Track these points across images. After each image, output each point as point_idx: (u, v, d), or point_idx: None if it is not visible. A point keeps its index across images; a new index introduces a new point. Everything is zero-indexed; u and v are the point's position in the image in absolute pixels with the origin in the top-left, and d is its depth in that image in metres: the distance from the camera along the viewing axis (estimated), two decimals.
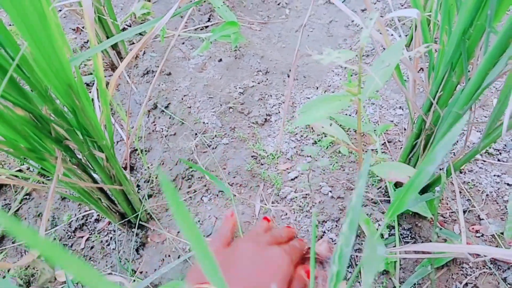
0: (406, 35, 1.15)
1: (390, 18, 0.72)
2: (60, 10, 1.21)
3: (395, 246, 0.79)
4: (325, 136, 0.90)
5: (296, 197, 0.86)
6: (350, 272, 0.78)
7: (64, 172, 0.61)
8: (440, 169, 0.80)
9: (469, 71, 0.66)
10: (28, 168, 0.92)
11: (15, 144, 0.48)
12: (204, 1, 1.20)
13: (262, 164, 0.90)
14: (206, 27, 1.18)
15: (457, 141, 0.95)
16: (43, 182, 0.83)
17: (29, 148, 0.51)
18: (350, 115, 0.98)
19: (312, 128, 0.95)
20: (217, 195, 0.86)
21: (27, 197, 0.90)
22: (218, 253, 0.48)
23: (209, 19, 1.19)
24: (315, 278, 0.83)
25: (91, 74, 1.09)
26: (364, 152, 0.91)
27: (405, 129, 0.96)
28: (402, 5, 1.21)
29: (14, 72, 0.44)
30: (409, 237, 0.80)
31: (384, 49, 1.07)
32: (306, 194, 0.86)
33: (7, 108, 0.47)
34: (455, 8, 0.52)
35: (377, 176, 0.87)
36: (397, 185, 0.83)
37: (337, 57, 0.39)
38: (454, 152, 0.93)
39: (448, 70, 0.57)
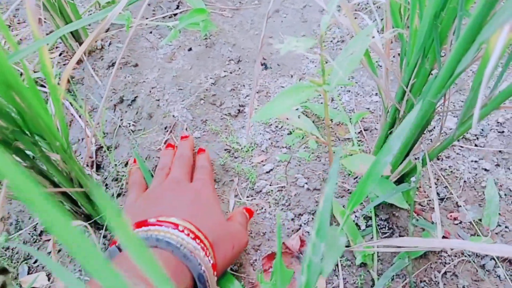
0: (382, 19, 1.12)
1: (359, 2, 0.69)
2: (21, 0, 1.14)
3: (372, 238, 0.77)
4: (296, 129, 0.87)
5: (271, 190, 0.83)
6: None
7: None
8: (416, 158, 0.78)
9: (443, 57, 0.63)
10: None
11: None
12: None
13: (236, 158, 0.87)
14: (175, 14, 1.12)
15: (434, 128, 0.94)
16: None
17: None
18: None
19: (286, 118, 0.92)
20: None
21: None
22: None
23: (178, 6, 1.14)
24: (293, 273, 0.80)
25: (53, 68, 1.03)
26: (336, 144, 0.89)
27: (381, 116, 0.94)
28: None
29: None
30: (387, 228, 0.79)
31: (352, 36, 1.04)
32: (282, 187, 0.83)
33: None
34: None
35: None
36: None
37: (295, 46, 0.36)
38: (431, 139, 0.91)
39: (420, 57, 0.55)
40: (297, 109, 0.90)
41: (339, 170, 0.83)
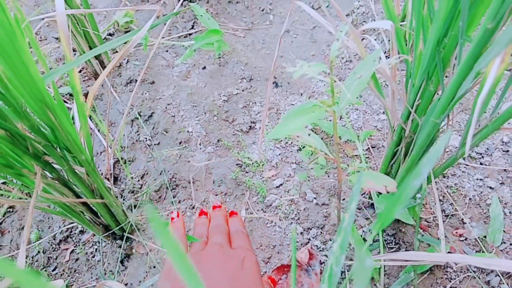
0: (389, 40, 1.16)
1: (367, 28, 0.72)
2: (42, 19, 1.20)
3: (379, 252, 0.79)
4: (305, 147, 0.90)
5: (281, 204, 0.86)
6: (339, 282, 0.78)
7: (44, 187, 0.61)
8: None
9: (446, 79, 0.66)
10: (12, 180, 0.91)
11: None
12: (187, 9, 1.20)
13: (247, 172, 0.90)
14: (190, 34, 1.17)
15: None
16: (27, 194, 0.82)
17: (5, 165, 0.51)
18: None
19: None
20: (201, 205, 0.86)
21: (11, 209, 0.89)
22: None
23: (193, 26, 1.19)
24: (301, 286, 0.83)
25: None
26: (345, 161, 0.92)
27: None
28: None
29: None
30: (393, 243, 0.81)
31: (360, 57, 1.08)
32: (291, 201, 0.86)
33: None
34: (429, 19, 0.52)
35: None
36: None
37: (307, 70, 0.39)
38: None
39: (425, 79, 0.58)
40: (306, 126, 0.93)
41: (359, 191, 0.86)
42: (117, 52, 1.12)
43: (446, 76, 0.62)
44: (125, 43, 1.03)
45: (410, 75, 0.61)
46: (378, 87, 0.59)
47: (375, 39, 1.13)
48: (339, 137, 0.89)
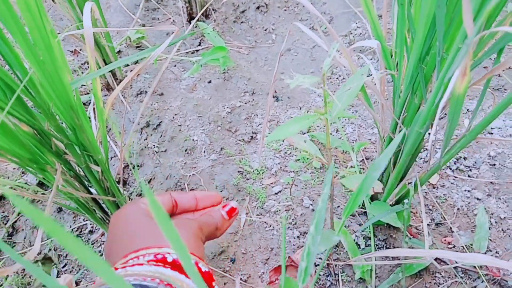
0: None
1: (357, 46, 0.79)
2: (58, 33, 1.28)
3: (371, 257, 0.84)
4: (301, 152, 0.96)
5: (279, 209, 0.91)
6: (329, 281, 0.83)
7: (62, 184, 0.67)
8: (409, 183, 0.86)
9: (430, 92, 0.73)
10: (26, 183, 0.97)
11: (20, 155, 0.54)
12: (196, 27, 1.27)
13: (248, 179, 0.96)
14: (197, 50, 1.25)
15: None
16: (43, 194, 0.88)
17: (32, 160, 0.57)
18: (331, 133, 1.05)
19: (295, 146, 1.01)
20: None
21: None
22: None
23: (200, 43, 1.26)
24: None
25: (88, 94, 1.15)
26: (339, 171, 0.98)
27: None
28: None
29: (22, 93, 0.50)
30: (384, 247, 0.86)
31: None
32: (289, 207, 0.91)
33: (14, 124, 0.53)
34: (411, 38, 0.59)
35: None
36: (373, 198, 0.89)
37: (302, 81, 0.45)
38: (426, 161, 0.99)
39: (409, 93, 0.64)
40: (305, 141, 0.99)
41: (332, 179, 0.91)
42: (127, 65, 1.19)
43: (430, 91, 0.68)
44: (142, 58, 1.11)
45: (396, 90, 0.68)
46: (367, 99, 0.65)
47: (370, 59, 1.20)
48: (335, 147, 0.95)
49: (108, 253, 0.43)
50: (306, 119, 0.53)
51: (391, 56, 0.64)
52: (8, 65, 0.48)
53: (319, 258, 0.86)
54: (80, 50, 1.30)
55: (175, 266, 0.37)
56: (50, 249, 0.88)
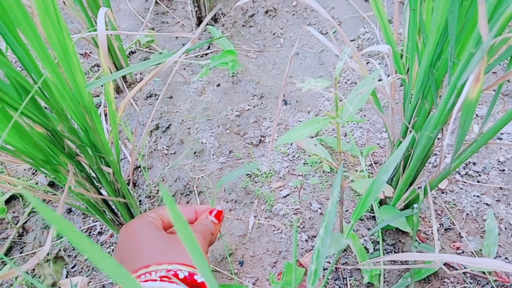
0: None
1: (370, 51, 0.79)
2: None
3: (379, 262, 0.84)
4: (311, 156, 0.97)
5: (288, 213, 0.91)
6: (337, 285, 0.83)
7: (74, 185, 0.67)
8: (419, 188, 0.86)
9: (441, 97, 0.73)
10: (37, 183, 0.98)
11: (34, 156, 0.55)
12: (205, 31, 1.28)
13: (256, 182, 0.96)
14: (206, 54, 1.26)
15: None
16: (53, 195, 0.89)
17: (45, 160, 0.58)
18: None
19: (303, 149, 1.02)
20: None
21: (35, 210, 0.96)
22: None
23: (209, 47, 1.27)
24: (304, 271, 0.87)
25: (97, 96, 1.16)
26: (349, 175, 0.98)
27: None
28: None
29: (36, 94, 0.51)
30: (393, 252, 0.86)
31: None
32: (297, 210, 0.91)
33: (29, 126, 0.54)
34: (423, 43, 0.59)
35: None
36: (382, 203, 0.88)
37: (314, 85, 0.46)
38: (435, 166, 0.99)
39: (420, 98, 0.64)
40: (315, 145, 1.00)
41: (341, 182, 0.91)
42: None
43: (440, 96, 0.68)
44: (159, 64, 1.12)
45: (407, 94, 0.68)
46: (377, 103, 0.65)
47: (379, 63, 1.20)
48: (344, 151, 0.95)
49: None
50: (317, 123, 0.53)
51: (401, 58, 0.64)
52: (24, 68, 0.49)
53: (328, 262, 0.86)
54: (91, 53, 1.31)
55: (187, 283, 0.38)
56: (59, 250, 0.89)
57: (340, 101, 0.54)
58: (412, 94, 0.67)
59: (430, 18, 0.58)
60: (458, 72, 0.51)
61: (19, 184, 0.67)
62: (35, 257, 0.55)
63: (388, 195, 0.59)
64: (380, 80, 0.82)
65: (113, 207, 0.79)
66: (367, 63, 1.16)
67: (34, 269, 0.85)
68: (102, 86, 1.19)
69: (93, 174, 0.69)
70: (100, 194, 0.73)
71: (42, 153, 0.57)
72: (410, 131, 0.69)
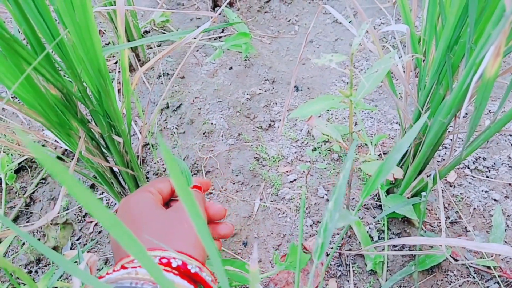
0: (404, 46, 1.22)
1: (385, 31, 0.78)
2: None
3: (383, 249, 0.84)
4: (320, 142, 0.96)
5: (293, 197, 0.91)
6: (340, 271, 0.83)
7: (82, 154, 0.68)
8: (428, 176, 0.85)
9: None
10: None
11: (48, 116, 0.55)
12: (220, 14, 1.28)
13: (263, 166, 0.96)
14: (220, 37, 1.26)
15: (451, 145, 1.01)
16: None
17: (58, 123, 0.58)
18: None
19: (312, 136, 1.01)
20: (220, 191, 0.92)
21: (43, 181, 0.96)
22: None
23: (223, 30, 1.27)
24: (307, 273, 0.87)
25: (110, 73, 1.17)
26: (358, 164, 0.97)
27: None
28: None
29: (54, 50, 0.51)
30: None
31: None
32: (304, 195, 0.91)
33: (44, 87, 0.54)
34: (442, 26, 0.58)
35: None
36: (389, 192, 0.88)
37: (330, 59, 0.45)
38: (444, 159, 0.98)
39: (435, 82, 0.64)
40: (326, 125, 0.99)
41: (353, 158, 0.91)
42: (151, 48, 1.21)
43: (455, 82, 0.67)
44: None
45: (422, 79, 0.67)
46: (391, 85, 0.65)
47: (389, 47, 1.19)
48: (357, 132, 0.95)
49: (114, 240, 0.44)
50: (331, 99, 0.53)
51: (418, 42, 0.63)
52: (44, 25, 0.49)
53: (330, 247, 0.86)
54: (105, 31, 1.31)
55: (180, 272, 0.38)
56: (67, 219, 0.90)
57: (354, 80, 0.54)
58: (427, 80, 0.67)
59: (450, 0, 0.58)
60: (475, 55, 0.51)
61: (28, 154, 0.68)
62: (44, 218, 0.55)
63: (398, 176, 0.59)
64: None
65: (121, 180, 0.80)
66: (383, 48, 1.15)
67: (39, 239, 0.86)
68: (117, 53, 1.19)
69: (104, 144, 0.70)
70: (109, 162, 0.73)
71: (55, 115, 0.58)
72: (424, 115, 0.68)
